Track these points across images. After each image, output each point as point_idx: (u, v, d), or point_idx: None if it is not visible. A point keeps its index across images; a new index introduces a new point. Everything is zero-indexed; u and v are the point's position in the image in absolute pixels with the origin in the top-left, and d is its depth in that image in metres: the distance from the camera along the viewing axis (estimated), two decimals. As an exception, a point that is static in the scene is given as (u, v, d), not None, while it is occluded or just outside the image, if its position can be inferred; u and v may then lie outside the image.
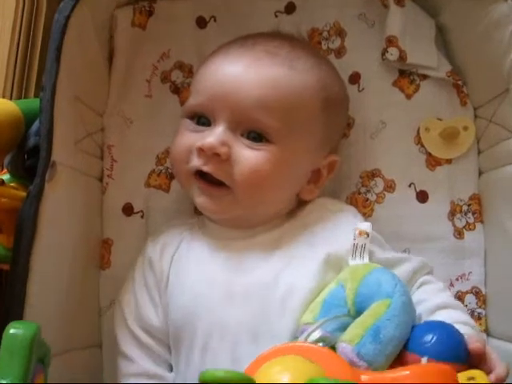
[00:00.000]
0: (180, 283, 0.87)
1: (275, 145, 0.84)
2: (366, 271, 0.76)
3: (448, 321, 0.74)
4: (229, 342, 0.80)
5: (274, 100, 0.84)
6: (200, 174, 0.86)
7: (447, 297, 0.85)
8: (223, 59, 0.87)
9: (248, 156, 0.83)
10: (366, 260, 0.81)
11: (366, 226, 0.84)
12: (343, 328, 0.71)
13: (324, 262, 0.83)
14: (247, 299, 0.82)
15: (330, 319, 0.72)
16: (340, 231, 0.86)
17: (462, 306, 0.87)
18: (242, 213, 0.87)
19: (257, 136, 0.84)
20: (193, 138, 0.86)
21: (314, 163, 0.90)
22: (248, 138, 0.84)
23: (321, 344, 0.69)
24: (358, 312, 0.73)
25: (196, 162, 0.85)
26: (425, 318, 0.77)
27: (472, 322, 0.83)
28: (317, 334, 0.70)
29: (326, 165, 0.91)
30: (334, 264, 0.83)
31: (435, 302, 0.81)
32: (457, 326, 0.72)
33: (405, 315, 0.71)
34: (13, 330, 0.63)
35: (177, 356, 0.85)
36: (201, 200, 0.87)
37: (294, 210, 0.91)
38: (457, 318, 0.79)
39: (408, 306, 0.72)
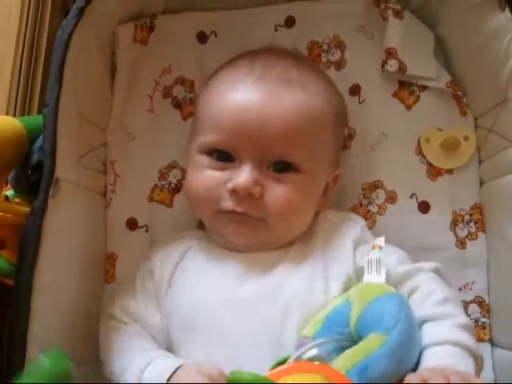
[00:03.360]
0: (183, 291, 0.87)
1: (301, 173, 0.85)
2: (375, 295, 0.73)
3: (434, 341, 0.71)
4: (228, 352, 0.79)
5: (297, 130, 0.84)
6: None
7: (431, 306, 0.76)
8: (234, 91, 0.86)
9: (279, 191, 0.84)
10: (383, 275, 0.77)
11: (379, 240, 0.82)
12: (341, 350, 0.69)
13: (324, 275, 0.83)
14: (248, 309, 0.82)
15: (328, 341, 0.71)
16: (339, 243, 0.86)
17: (448, 311, 0.76)
18: (271, 239, 0.87)
19: (283, 167, 0.85)
20: (218, 177, 0.85)
21: (327, 178, 0.91)
22: (274, 169, 0.85)
23: (316, 363, 0.68)
24: (359, 336, 0.71)
25: (229, 203, 0.84)
26: None
27: (458, 333, 0.73)
28: (313, 352, 0.70)
29: (332, 178, 0.93)
30: (336, 277, 0.83)
31: (418, 316, 0.74)
32: (441, 350, 0.70)
33: (399, 354, 0.67)
34: (43, 362, 0.62)
35: None
36: (232, 227, 0.85)
37: None
38: (441, 336, 0.72)
39: (405, 345, 0.68)
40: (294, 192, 0.85)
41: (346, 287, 0.81)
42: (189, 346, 0.83)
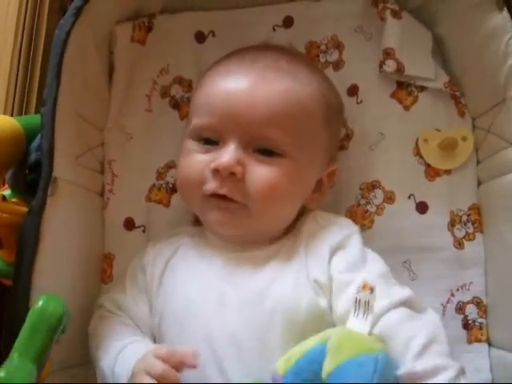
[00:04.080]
0: (174, 288, 0.87)
1: (287, 158, 0.85)
2: (351, 354, 0.67)
3: None
4: (214, 353, 0.79)
5: (284, 115, 0.84)
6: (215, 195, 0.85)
7: (412, 360, 0.70)
8: (226, 78, 0.87)
9: (262, 172, 0.83)
10: (369, 323, 0.73)
11: (371, 278, 0.77)
12: None
13: (307, 277, 0.82)
14: (238, 310, 0.81)
15: None
16: (319, 248, 0.84)
17: (432, 365, 0.70)
18: (255, 229, 0.86)
19: (270, 151, 0.85)
20: (204, 159, 0.85)
21: (319, 173, 0.91)
22: (260, 153, 0.85)
23: None
24: None
25: (212, 185, 0.84)
26: None
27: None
28: None
29: (326, 174, 0.92)
30: (313, 282, 0.82)
31: (400, 372, 0.70)
32: None
33: None
34: (42, 304, 0.63)
35: None
36: (215, 215, 0.85)
37: (291, 223, 0.91)
38: None
39: None
40: (278, 175, 0.84)
41: (324, 291, 0.81)
42: (180, 345, 0.82)
